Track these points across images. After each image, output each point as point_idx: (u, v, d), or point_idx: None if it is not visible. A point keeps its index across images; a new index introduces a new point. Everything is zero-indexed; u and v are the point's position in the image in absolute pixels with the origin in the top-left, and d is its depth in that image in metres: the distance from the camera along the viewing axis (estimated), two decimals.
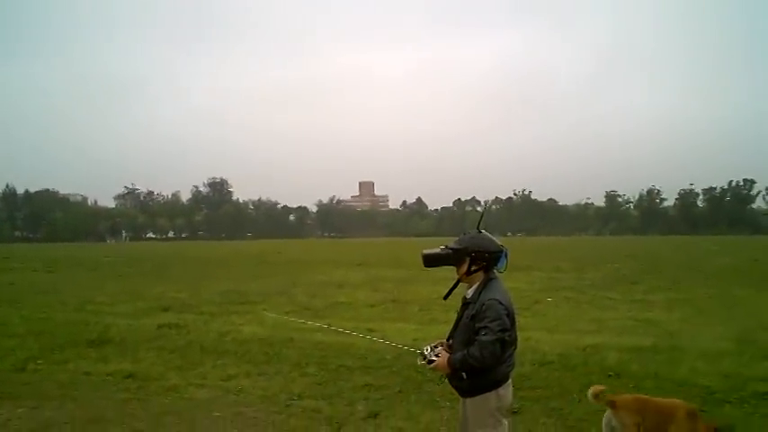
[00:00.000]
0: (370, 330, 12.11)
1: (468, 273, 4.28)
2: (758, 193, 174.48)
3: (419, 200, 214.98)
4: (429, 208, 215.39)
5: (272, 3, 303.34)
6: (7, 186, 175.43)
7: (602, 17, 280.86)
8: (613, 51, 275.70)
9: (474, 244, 4.26)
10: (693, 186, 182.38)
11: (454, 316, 4.52)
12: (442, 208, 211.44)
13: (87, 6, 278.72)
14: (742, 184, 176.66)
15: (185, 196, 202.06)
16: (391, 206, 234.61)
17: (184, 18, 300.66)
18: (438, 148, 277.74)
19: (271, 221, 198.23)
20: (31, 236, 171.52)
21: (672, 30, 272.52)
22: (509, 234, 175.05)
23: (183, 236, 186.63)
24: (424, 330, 12.55)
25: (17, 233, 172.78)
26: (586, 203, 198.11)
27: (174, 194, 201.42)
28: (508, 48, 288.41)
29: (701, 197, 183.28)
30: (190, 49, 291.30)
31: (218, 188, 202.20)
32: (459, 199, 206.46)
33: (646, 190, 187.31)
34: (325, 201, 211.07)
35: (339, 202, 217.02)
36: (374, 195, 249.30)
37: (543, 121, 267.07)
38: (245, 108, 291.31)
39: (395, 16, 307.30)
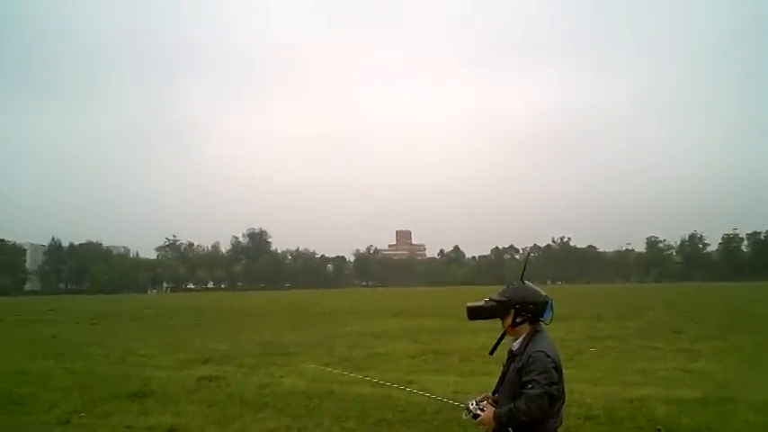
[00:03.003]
0: (410, 382, 11.95)
1: (514, 325, 4.22)
2: None
3: (456, 248, 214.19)
4: (466, 256, 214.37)
5: (313, 54, 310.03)
6: (53, 239, 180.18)
7: (639, 59, 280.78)
8: (652, 94, 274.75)
9: (518, 295, 4.22)
10: (737, 231, 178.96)
11: (495, 368, 4.45)
12: (479, 256, 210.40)
13: (124, 54, 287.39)
14: None
15: (225, 247, 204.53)
16: (428, 255, 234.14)
17: (223, 69, 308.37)
18: (475, 196, 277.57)
19: (309, 271, 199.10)
20: (75, 288, 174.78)
21: (714, 71, 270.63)
22: (548, 282, 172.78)
23: (223, 286, 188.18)
24: (465, 382, 12.36)
25: (61, 285, 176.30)
26: (627, 250, 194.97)
27: (213, 245, 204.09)
28: (544, 92, 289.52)
29: (745, 242, 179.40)
30: (231, 101, 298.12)
31: (257, 239, 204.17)
32: (496, 247, 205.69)
33: (688, 235, 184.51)
34: (362, 250, 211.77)
35: (376, 251, 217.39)
36: (411, 244, 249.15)
37: (580, 167, 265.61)
38: (283, 158, 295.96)
39: (432, 63, 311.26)
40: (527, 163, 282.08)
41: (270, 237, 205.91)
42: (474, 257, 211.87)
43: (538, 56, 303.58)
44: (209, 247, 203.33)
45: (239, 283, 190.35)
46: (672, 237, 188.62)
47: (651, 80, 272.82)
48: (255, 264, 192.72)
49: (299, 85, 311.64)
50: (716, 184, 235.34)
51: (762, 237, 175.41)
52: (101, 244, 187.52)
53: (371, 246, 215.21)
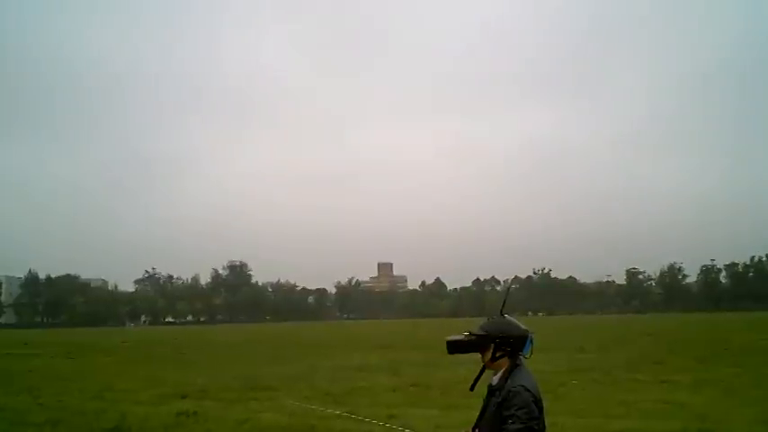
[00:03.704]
0: (392, 416, 11.85)
1: (494, 359, 4.21)
2: None
3: (438, 280, 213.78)
4: (448, 288, 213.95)
5: (293, 86, 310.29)
6: (29, 272, 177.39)
7: (621, 95, 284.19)
8: (632, 128, 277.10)
9: (498, 329, 4.21)
10: (715, 262, 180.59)
11: (477, 401, 4.43)
12: (461, 288, 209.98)
13: (104, 88, 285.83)
14: (765, 259, 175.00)
15: (205, 279, 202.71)
16: (410, 287, 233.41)
17: (201, 104, 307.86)
18: (457, 228, 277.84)
19: (290, 304, 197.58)
20: (51, 321, 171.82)
21: (696, 104, 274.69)
22: (529, 314, 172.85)
23: (202, 320, 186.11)
24: (447, 416, 12.27)
25: (38, 319, 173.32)
26: (607, 281, 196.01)
27: (193, 278, 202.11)
28: (526, 125, 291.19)
29: (723, 273, 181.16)
30: (210, 134, 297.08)
31: (238, 271, 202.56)
32: (478, 278, 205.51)
33: (667, 266, 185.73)
34: (343, 282, 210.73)
35: (358, 283, 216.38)
36: (393, 276, 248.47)
37: (561, 199, 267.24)
38: (264, 191, 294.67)
39: (415, 96, 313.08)
40: (509, 195, 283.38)
41: (250, 269, 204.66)
42: (455, 289, 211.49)
43: (520, 90, 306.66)
44: (189, 280, 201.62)
45: (219, 316, 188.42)
46: (652, 268, 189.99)
47: (629, 115, 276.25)
48: (235, 297, 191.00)
49: (282, 118, 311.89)
50: (694, 214, 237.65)
51: (739, 268, 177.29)
52: (78, 277, 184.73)
53: (353, 278, 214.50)
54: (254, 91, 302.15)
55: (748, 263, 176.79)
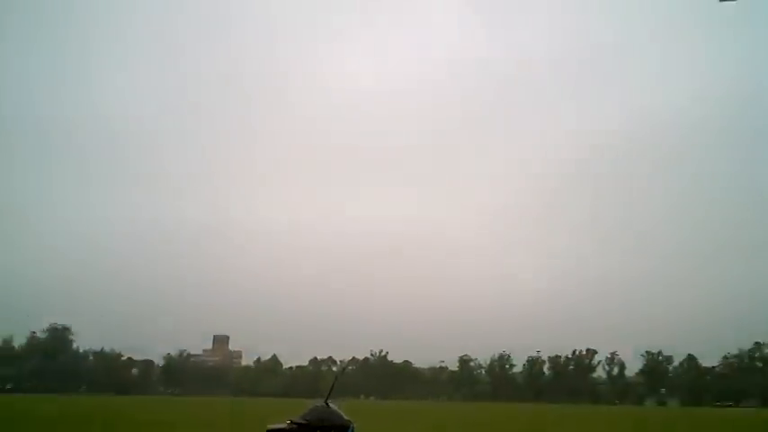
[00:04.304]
0: None
1: None
2: (599, 362, 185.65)
3: (274, 357, 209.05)
4: (284, 366, 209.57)
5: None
6: None
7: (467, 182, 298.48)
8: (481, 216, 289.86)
9: (319, 419, 3.99)
10: (540, 354, 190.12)
11: None
12: (296, 366, 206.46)
13: None
14: (584, 353, 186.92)
15: (20, 342, 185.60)
16: (244, 362, 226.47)
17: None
18: (298, 305, 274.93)
19: (112, 374, 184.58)
20: None
21: (529, 203, 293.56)
22: (362, 396, 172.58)
23: (8, 387, 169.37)
24: None
25: None
26: (441, 367, 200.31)
27: (5, 340, 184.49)
28: (374, 210, 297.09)
29: (546, 365, 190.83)
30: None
31: (59, 335, 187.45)
32: (315, 358, 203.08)
33: (498, 355, 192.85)
34: (174, 354, 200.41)
35: (189, 356, 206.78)
36: (228, 350, 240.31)
37: (398, 283, 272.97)
38: (96, 248, 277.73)
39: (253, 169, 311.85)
40: (346, 276, 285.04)
41: (73, 334, 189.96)
42: (291, 367, 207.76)
43: (357, 171, 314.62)
44: (0, 342, 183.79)
45: (28, 384, 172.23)
46: (484, 356, 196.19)
47: (473, 203, 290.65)
48: (50, 363, 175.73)
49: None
50: (522, 305, 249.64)
51: (561, 360, 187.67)
52: None
53: (185, 350, 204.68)
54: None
55: (570, 356, 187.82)
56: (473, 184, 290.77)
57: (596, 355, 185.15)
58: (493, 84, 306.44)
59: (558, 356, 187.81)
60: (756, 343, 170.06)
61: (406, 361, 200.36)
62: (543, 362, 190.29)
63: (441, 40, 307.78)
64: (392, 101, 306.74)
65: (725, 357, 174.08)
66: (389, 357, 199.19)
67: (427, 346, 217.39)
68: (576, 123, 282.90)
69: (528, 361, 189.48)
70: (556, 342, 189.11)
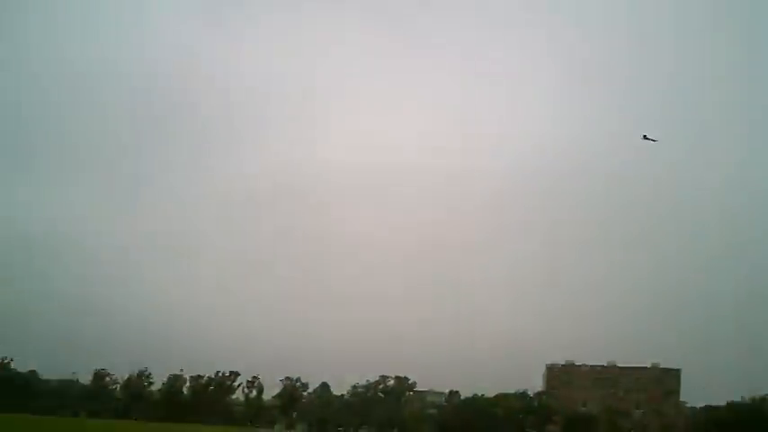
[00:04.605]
0: None
1: None
2: (239, 385, 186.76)
3: None
4: None
5: None
6: None
7: None
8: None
9: None
10: (183, 372, 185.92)
11: None
12: None
13: None
14: (228, 374, 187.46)
15: None
16: None
17: None
18: None
19: None
20: None
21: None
22: None
23: None
24: None
25: None
26: (72, 379, 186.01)
27: None
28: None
29: (188, 384, 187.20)
30: None
31: None
32: None
33: (137, 371, 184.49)
34: None
35: None
36: None
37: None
38: None
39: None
40: None
41: None
42: None
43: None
44: None
45: None
46: (123, 371, 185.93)
47: None
48: None
49: None
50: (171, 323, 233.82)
51: (204, 381, 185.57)
52: None
53: None
54: None
55: (213, 376, 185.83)
56: None
57: (239, 377, 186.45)
58: None
59: (200, 376, 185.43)
60: (381, 376, 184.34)
61: (33, 370, 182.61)
62: (185, 380, 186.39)
63: None
64: None
65: (354, 387, 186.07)
66: (13, 366, 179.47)
67: (56, 354, 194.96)
68: None
69: (168, 379, 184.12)
70: (202, 362, 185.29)
